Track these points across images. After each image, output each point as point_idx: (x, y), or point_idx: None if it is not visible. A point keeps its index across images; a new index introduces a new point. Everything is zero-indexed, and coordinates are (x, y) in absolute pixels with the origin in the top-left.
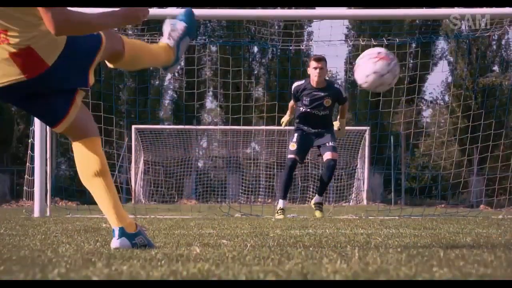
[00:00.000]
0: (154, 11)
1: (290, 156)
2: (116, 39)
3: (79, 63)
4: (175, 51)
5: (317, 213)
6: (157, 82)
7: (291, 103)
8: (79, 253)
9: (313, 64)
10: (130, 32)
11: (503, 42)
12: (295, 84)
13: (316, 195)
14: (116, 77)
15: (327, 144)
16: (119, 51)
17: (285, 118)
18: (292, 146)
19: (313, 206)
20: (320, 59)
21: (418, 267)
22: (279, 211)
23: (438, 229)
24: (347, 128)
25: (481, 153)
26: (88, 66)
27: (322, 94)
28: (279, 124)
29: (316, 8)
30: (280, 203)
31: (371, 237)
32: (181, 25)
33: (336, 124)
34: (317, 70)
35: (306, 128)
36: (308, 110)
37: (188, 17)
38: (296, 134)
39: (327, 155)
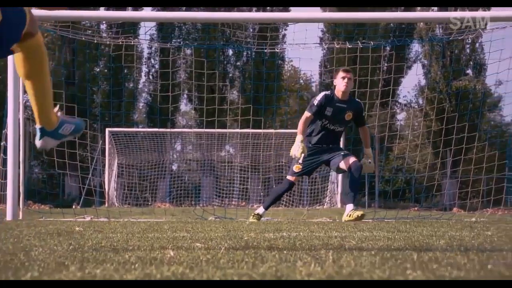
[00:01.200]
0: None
1: (290, 178)
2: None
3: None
4: (60, 120)
5: (358, 213)
6: (131, 85)
7: (305, 118)
8: (52, 257)
9: (341, 74)
10: (104, 34)
11: (476, 45)
12: (324, 93)
13: (347, 205)
14: (90, 80)
15: (340, 154)
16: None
17: (300, 147)
18: (297, 168)
19: (349, 216)
20: (349, 70)
21: (391, 270)
22: (254, 215)
23: (412, 232)
24: None
25: (454, 156)
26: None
27: (345, 106)
28: (254, 127)
29: (292, 10)
30: (260, 210)
31: (345, 240)
32: (72, 126)
33: (366, 157)
34: (345, 80)
35: (317, 145)
36: (327, 123)
37: (79, 126)
38: (302, 155)
39: (347, 160)
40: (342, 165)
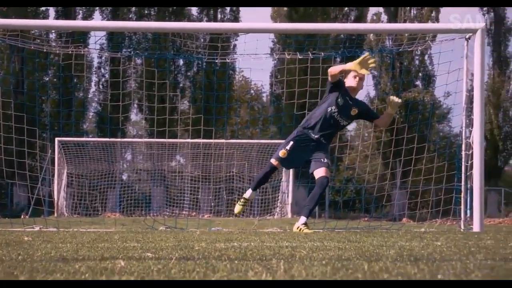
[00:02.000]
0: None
1: (274, 161)
2: None
3: None
4: None
5: (307, 231)
6: (81, 94)
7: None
8: (1, 267)
9: (353, 73)
10: (53, 44)
11: (426, 57)
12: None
13: (301, 216)
14: (39, 89)
15: (321, 160)
16: None
17: (352, 63)
18: (283, 153)
19: (298, 229)
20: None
21: (343, 280)
22: (241, 200)
23: (362, 242)
24: (273, 141)
25: (404, 167)
26: None
27: (351, 103)
28: (205, 137)
29: (243, 20)
30: (248, 192)
31: (296, 250)
32: None
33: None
34: (357, 79)
35: (313, 133)
36: (335, 112)
37: None
38: (292, 143)
39: (320, 172)
40: (315, 173)
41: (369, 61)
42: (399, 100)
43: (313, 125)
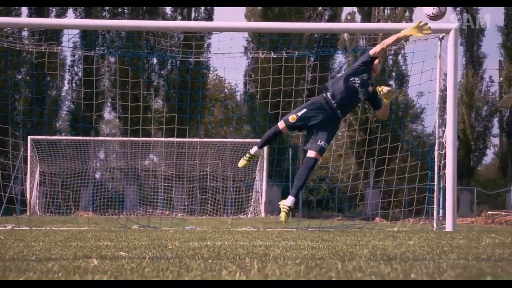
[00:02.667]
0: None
1: (281, 124)
2: None
3: None
4: None
5: (283, 216)
6: (54, 93)
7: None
8: None
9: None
10: (26, 41)
11: (399, 57)
12: None
13: (289, 196)
14: (12, 87)
15: (318, 141)
16: None
17: (408, 29)
18: (292, 118)
19: (281, 206)
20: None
21: (317, 279)
22: (247, 156)
23: (336, 241)
24: (247, 140)
25: (377, 166)
26: None
27: (370, 82)
28: (178, 136)
29: (216, 19)
30: (253, 149)
31: (269, 249)
32: None
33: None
34: (377, 61)
35: (333, 101)
36: (358, 84)
37: None
38: (305, 110)
39: (311, 153)
40: (308, 152)
41: (425, 26)
42: (388, 88)
43: (338, 97)
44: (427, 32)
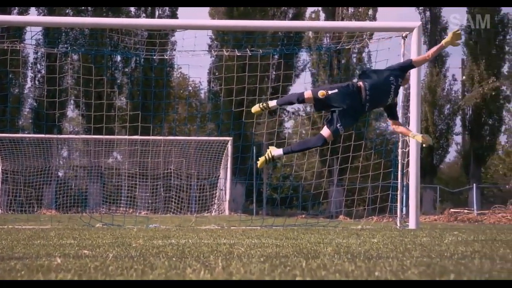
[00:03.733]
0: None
1: (308, 93)
2: None
3: None
4: None
5: (261, 160)
6: (16, 90)
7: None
8: None
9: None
10: None
11: (363, 55)
12: None
13: (280, 148)
14: None
15: (337, 124)
16: None
17: (448, 40)
18: (321, 94)
19: (267, 151)
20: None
21: (281, 277)
22: (263, 104)
23: (300, 239)
24: (211, 138)
25: (341, 164)
26: None
27: (399, 90)
28: (142, 134)
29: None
30: (272, 102)
31: (234, 247)
32: None
33: (414, 134)
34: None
35: (367, 92)
36: (393, 85)
37: None
38: (336, 90)
39: (325, 131)
40: (323, 129)
41: (459, 34)
42: (429, 142)
43: (370, 86)
44: (459, 40)
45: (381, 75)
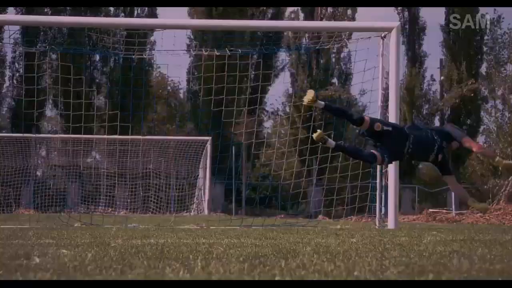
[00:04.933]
0: None
1: (367, 118)
2: None
3: None
4: None
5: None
6: None
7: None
8: None
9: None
10: None
11: (342, 55)
12: None
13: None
14: None
15: (383, 154)
16: None
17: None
18: (377, 126)
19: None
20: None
21: (260, 276)
22: (311, 95)
23: (279, 239)
24: (190, 138)
25: (320, 164)
26: None
27: (444, 152)
28: (121, 133)
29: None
30: (321, 103)
31: (213, 247)
32: None
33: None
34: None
35: (410, 146)
36: (437, 145)
37: None
38: (391, 128)
39: (378, 155)
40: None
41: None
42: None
43: (414, 141)
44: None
45: (427, 132)
